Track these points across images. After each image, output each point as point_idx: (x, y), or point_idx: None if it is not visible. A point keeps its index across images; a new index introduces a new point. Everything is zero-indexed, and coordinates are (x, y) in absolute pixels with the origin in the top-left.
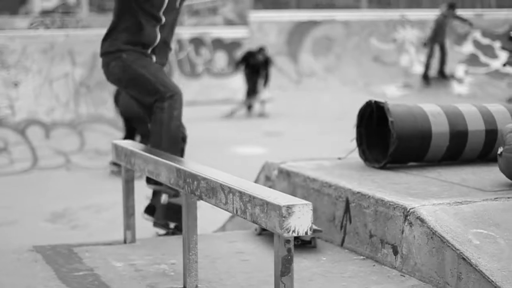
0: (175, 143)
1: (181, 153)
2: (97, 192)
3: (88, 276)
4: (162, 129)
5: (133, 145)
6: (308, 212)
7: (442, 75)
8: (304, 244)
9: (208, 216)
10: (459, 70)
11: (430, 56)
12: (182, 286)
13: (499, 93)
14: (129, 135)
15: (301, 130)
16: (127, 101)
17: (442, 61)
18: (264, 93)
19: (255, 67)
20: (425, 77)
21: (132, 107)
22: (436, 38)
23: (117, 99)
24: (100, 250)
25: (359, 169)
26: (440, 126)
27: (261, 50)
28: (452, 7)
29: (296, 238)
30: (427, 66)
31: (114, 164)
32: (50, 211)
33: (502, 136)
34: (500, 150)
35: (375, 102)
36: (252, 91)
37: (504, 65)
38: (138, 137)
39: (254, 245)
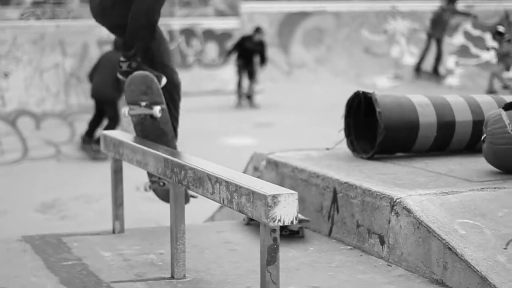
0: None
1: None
2: (87, 182)
3: (77, 266)
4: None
5: (121, 135)
6: (293, 201)
7: (436, 73)
8: (291, 234)
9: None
10: (450, 61)
11: (425, 49)
12: (170, 275)
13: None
14: (98, 117)
15: (292, 121)
16: (101, 84)
17: (438, 58)
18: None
19: (250, 52)
20: (417, 69)
21: (104, 90)
22: (434, 32)
23: (91, 77)
24: (89, 240)
25: (347, 159)
26: (427, 117)
27: (258, 29)
28: (452, 1)
29: (283, 228)
30: (421, 58)
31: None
32: (40, 201)
33: (486, 123)
34: (483, 136)
35: (363, 92)
36: (251, 79)
37: (488, 49)
38: (106, 121)
39: (242, 235)
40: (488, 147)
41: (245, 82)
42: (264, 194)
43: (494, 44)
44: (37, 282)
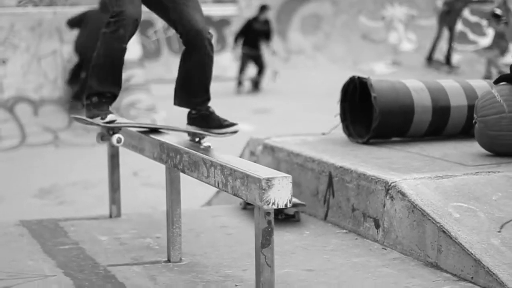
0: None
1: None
2: (85, 168)
3: (74, 250)
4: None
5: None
6: (287, 184)
7: (448, 63)
8: (287, 218)
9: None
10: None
11: (436, 38)
12: (166, 259)
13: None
14: (77, 69)
15: (290, 107)
16: (88, 40)
17: (449, 47)
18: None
19: (256, 35)
20: (429, 59)
21: (89, 46)
22: (445, 20)
23: (72, 25)
24: (86, 224)
25: (343, 144)
26: (422, 102)
27: (264, 7)
28: None
29: (279, 212)
30: (433, 48)
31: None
32: (38, 187)
33: (476, 106)
34: (474, 119)
35: (358, 78)
36: (260, 68)
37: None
38: (83, 74)
39: (238, 219)
40: (479, 123)
41: (250, 71)
42: (258, 177)
43: (491, 28)
44: (34, 265)
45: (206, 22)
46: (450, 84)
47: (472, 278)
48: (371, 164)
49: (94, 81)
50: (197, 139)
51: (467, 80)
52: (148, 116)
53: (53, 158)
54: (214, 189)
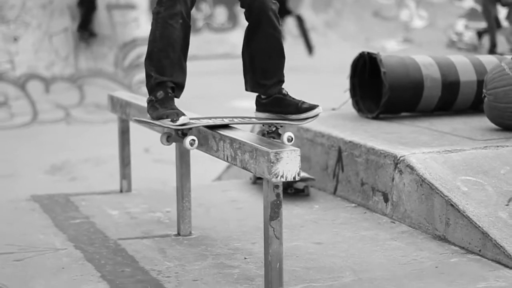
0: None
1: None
2: (97, 145)
3: (84, 224)
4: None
5: (128, 96)
6: (296, 157)
7: (492, 51)
8: (297, 192)
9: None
10: (459, 24)
11: (491, 28)
12: (176, 232)
13: (498, 47)
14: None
15: (301, 84)
16: None
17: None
18: None
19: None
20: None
21: None
22: (489, 8)
23: None
24: (96, 199)
25: (353, 119)
26: (432, 77)
27: None
28: None
29: (289, 186)
30: (493, 42)
31: None
32: (50, 164)
33: (485, 81)
34: (483, 93)
35: (368, 53)
36: None
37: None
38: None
39: (248, 193)
40: (489, 96)
41: None
42: (267, 150)
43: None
44: (45, 239)
45: None
46: (459, 59)
47: (479, 250)
48: (380, 138)
49: (153, 70)
50: (273, 129)
51: (476, 55)
52: None
53: (64, 135)
54: (224, 165)
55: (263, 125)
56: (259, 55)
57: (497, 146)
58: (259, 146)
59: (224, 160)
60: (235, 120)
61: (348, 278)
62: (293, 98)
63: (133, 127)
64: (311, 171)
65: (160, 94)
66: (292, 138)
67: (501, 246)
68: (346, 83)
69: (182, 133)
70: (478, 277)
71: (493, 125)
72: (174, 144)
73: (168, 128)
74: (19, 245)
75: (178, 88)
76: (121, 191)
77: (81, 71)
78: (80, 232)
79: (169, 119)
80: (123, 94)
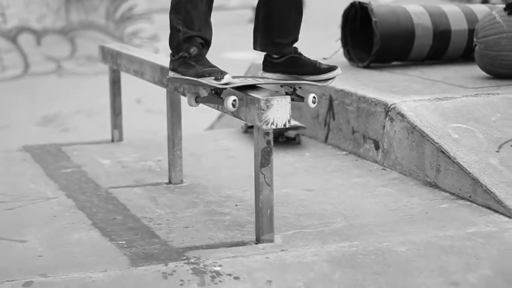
0: None
1: None
2: (88, 97)
3: (76, 173)
4: None
5: (118, 47)
6: (286, 105)
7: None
8: (288, 140)
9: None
10: None
11: None
12: (167, 181)
13: None
14: None
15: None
16: None
17: None
18: None
19: None
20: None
21: None
22: None
23: None
24: (88, 148)
25: (344, 68)
26: (423, 26)
27: None
28: None
29: (280, 135)
30: None
31: None
32: (41, 115)
33: (476, 29)
34: (474, 41)
35: (359, 3)
36: None
37: None
38: None
39: (239, 142)
40: (479, 45)
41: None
42: (257, 97)
43: None
44: (36, 188)
45: None
46: (451, 8)
47: (470, 196)
48: (371, 87)
49: (181, 24)
50: (290, 91)
51: (468, 4)
52: (151, 45)
53: (56, 87)
54: (216, 115)
55: (281, 86)
56: (279, 11)
57: (488, 94)
58: (250, 93)
59: (215, 108)
60: (270, 80)
61: (339, 224)
62: (309, 58)
63: (125, 77)
64: (302, 120)
65: (193, 50)
66: (316, 99)
67: (491, 192)
68: (336, 31)
69: (216, 93)
70: (469, 222)
71: (484, 74)
72: (165, 93)
73: (213, 86)
74: (11, 195)
75: (207, 44)
76: (112, 140)
77: (72, 24)
78: (71, 181)
79: (213, 77)
80: (113, 45)
